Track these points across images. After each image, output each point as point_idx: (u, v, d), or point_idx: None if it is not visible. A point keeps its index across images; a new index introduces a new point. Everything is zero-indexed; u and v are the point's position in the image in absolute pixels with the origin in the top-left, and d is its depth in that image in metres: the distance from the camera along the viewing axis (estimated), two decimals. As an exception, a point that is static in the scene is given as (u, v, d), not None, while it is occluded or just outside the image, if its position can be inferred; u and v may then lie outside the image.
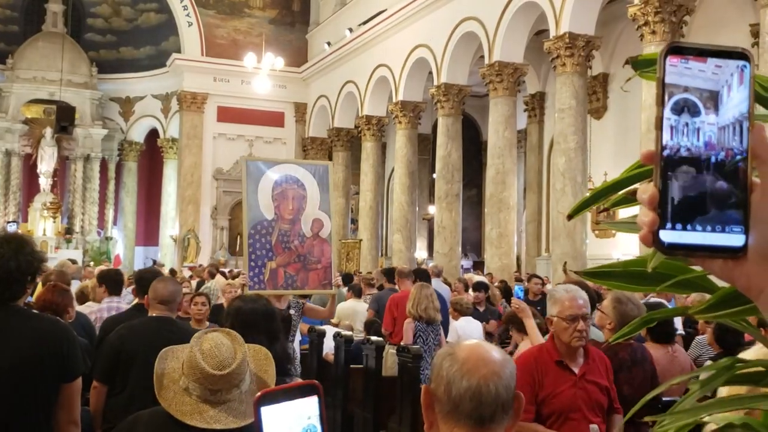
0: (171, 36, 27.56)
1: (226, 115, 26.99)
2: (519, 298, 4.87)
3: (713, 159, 0.69)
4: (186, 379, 2.35)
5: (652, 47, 12.71)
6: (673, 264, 1.01)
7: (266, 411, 0.83)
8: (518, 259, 21.23)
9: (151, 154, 29.79)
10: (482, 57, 17.60)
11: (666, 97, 0.70)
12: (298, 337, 6.74)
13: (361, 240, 23.13)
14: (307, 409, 0.83)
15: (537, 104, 22.43)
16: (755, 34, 14.30)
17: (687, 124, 0.69)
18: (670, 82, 0.71)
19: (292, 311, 6.25)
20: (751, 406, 1.04)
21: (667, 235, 0.69)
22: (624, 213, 1.55)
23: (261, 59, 22.46)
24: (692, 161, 0.69)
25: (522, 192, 22.61)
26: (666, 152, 0.69)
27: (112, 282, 6.38)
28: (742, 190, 0.69)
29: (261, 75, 22.59)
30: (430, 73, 19.87)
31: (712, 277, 1.13)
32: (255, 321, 3.38)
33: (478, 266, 22.77)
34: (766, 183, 0.69)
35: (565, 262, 14.09)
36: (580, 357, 3.73)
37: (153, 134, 29.52)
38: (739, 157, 0.69)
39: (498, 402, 1.66)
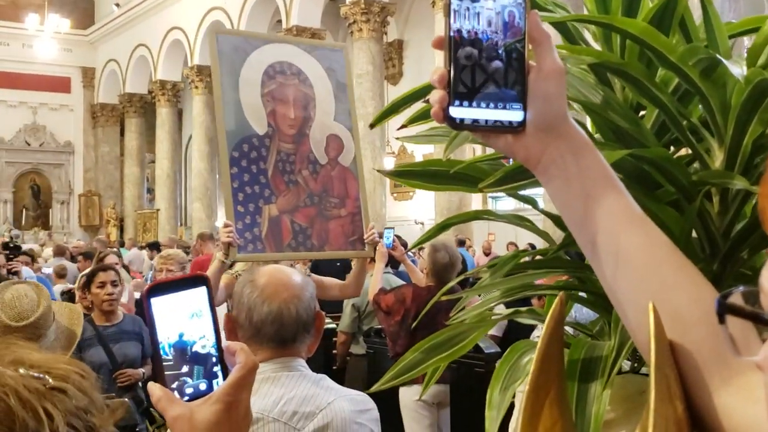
0: (-62, -6, 25.09)
1: (6, 80, 25.18)
2: (388, 242, 4.96)
3: (494, 41, 0.77)
4: None
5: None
6: (462, 163, 1.11)
7: (156, 302, 0.88)
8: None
9: None
10: (279, 21, 17.51)
11: None
12: None
13: (158, 210, 22.42)
14: (196, 298, 0.90)
15: (335, 70, 22.64)
16: None
17: (468, 9, 0.77)
18: None
19: None
20: (537, 293, 1.17)
21: (456, 111, 0.77)
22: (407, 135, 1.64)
23: (44, 21, 21.05)
24: (475, 43, 0.77)
25: (322, 158, 22.81)
26: (451, 34, 0.76)
27: None
28: (520, 70, 0.78)
29: (44, 38, 21.21)
30: (227, 37, 19.47)
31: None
32: None
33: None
34: (541, 63, 0.78)
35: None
36: None
37: None
38: (516, 39, 0.78)
39: (299, 323, 1.75)
